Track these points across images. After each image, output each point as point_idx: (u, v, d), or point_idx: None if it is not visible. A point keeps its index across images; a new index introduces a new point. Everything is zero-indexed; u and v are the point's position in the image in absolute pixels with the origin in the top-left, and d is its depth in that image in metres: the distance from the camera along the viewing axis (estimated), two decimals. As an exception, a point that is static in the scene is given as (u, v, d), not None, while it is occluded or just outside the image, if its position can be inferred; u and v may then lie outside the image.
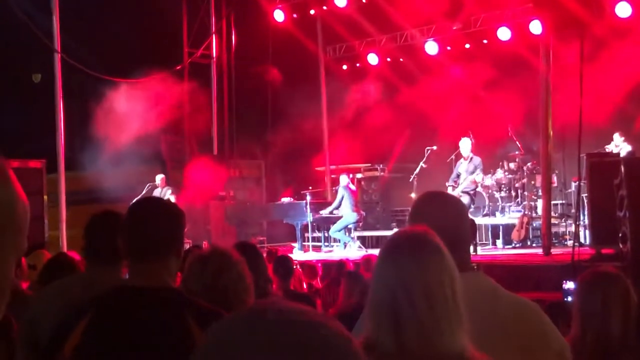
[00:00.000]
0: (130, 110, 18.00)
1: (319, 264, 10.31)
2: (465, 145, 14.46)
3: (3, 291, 1.27)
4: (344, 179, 15.66)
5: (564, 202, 15.25)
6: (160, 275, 2.66)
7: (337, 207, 15.61)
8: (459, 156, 14.91)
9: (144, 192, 16.02)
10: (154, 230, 2.69)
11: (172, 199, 15.89)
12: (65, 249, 13.93)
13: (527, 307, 2.45)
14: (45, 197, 15.16)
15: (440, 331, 1.89)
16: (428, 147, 15.38)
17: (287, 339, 1.01)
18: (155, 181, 16.95)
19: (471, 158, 14.39)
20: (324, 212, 15.86)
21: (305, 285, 8.86)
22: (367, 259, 9.65)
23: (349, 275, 7.08)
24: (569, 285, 6.22)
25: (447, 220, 2.48)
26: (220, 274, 3.13)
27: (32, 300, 3.70)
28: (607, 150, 13.25)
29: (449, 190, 14.55)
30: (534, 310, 2.45)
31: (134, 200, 3.02)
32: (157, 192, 16.12)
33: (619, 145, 13.08)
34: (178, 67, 19.47)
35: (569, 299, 5.79)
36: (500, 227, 14.78)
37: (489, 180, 15.02)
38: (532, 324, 2.40)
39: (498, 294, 2.45)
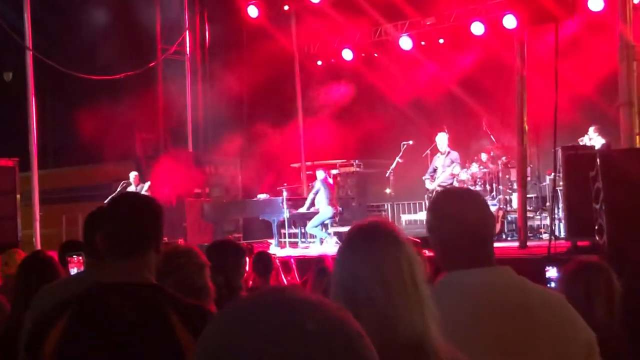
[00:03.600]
0: (104, 108, 17.89)
1: (292, 260, 10.27)
2: (442, 140, 14.52)
3: None
4: (320, 174, 15.65)
5: (538, 195, 15.34)
6: (140, 271, 2.63)
7: (312, 202, 15.60)
8: (434, 151, 14.95)
9: (118, 189, 15.90)
10: (134, 226, 2.66)
11: (145, 187, 15.84)
12: (39, 248, 13.80)
13: (555, 299, 2.46)
14: (18, 195, 15.01)
15: (398, 318, 1.86)
16: (404, 142, 15.40)
17: (305, 334, 1.00)
18: (128, 179, 16.83)
19: (448, 152, 14.46)
20: (302, 210, 15.86)
21: (285, 282, 8.84)
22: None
23: (317, 272, 7.03)
24: (551, 272, 6.25)
25: (474, 215, 2.47)
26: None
27: (34, 298, 3.67)
28: (581, 143, 13.34)
29: (426, 184, 14.62)
30: (561, 301, 2.46)
31: (111, 197, 2.99)
32: (132, 190, 16.00)
33: (593, 138, 13.18)
34: (152, 64, 19.35)
35: (552, 285, 5.84)
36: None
37: (465, 175, 15.06)
38: (561, 315, 2.40)
39: (526, 286, 2.44)
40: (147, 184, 16.26)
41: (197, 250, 3.66)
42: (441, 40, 18.37)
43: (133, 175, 16.71)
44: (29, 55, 15.76)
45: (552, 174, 12.18)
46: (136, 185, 16.35)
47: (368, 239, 1.98)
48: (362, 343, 1.04)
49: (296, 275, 9.51)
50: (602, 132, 12.91)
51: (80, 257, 4.42)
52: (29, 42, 15.78)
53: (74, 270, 4.63)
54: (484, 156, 15.32)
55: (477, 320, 2.26)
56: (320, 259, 9.52)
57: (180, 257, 3.49)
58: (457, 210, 2.49)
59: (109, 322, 2.50)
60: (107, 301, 2.56)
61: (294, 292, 1.06)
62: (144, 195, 3.12)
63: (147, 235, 2.68)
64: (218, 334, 1.05)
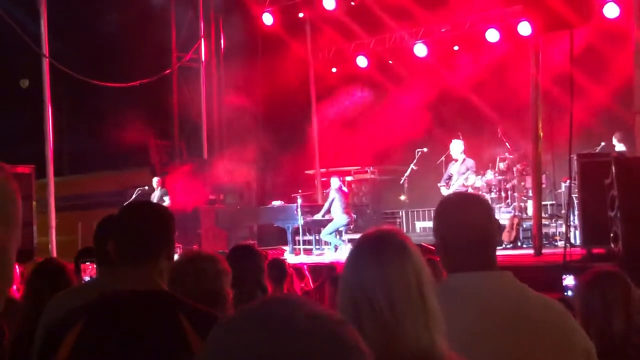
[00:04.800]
0: (119, 115, 17.96)
1: (305, 266, 10.29)
2: (456, 147, 14.49)
3: (8, 279, 1.37)
4: (335, 182, 15.64)
5: (553, 202, 15.28)
6: (152, 279, 2.63)
7: (328, 210, 15.61)
8: (449, 158, 14.92)
9: (133, 196, 15.96)
10: (145, 234, 2.67)
11: (167, 201, 15.86)
12: (55, 255, 13.86)
13: (554, 307, 2.47)
14: (34, 202, 15.07)
15: (403, 331, 1.85)
16: (418, 149, 15.38)
17: (301, 350, 1.00)
18: (144, 186, 16.89)
19: (464, 159, 14.43)
20: (317, 217, 15.86)
21: (298, 289, 8.84)
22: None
23: (332, 281, 7.01)
24: (568, 280, 6.24)
25: (477, 219, 2.50)
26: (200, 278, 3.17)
27: (48, 306, 3.68)
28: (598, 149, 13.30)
29: (442, 190, 14.59)
30: (561, 309, 2.47)
31: (123, 205, 3.00)
32: (154, 195, 16.06)
33: (616, 146, 13.13)
34: (167, 72, 19.43)
35: (569, 293, 5.83)
36: (491, 229, 14.75)
37: (479, 182, 15.02)
38: (560, 323, 2.41)
39: (526, 293, 2.46)
40: (168, 197, 16.25)
41: (220, 257, 3.66)
42: (456, 47, 18.35)
43: (155, 180, 16.78)
44: (46, 62, 15.84)
45: (568, 181, 12.11)
46: (159, 188, 16.44)
47: (374, 248, 1.97)
48: (360, 358, 1.04)
49: (310, 282, 9.51)
50: (624, 139, 12.83)
51: (94, 265, 4.43)
52: (45, 49, 15.87)
53: (87, 278, 4.64)
54: (501, 164, 15.28)
55: (477, 325, 2.27)
56: (332, 267, 9.54)
57: (201, 261, 3.50)
58: (461, 215, 2.52)
59: (121, 330, 2.51)
60: (119, 309, 2.57)
61: (291, 304, 1.06)
62: (155, 203, 3.13)
63: (158, 243, 2.69)
64: (216, 343, 1.05)
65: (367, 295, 1.88)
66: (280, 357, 0.99)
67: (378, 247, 1.96)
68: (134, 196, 16.04)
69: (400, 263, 1.92)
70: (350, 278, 1.95)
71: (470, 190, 14.60)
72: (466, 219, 2.49)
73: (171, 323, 2.52)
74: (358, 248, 2.01)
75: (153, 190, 16.73)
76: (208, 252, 3.75)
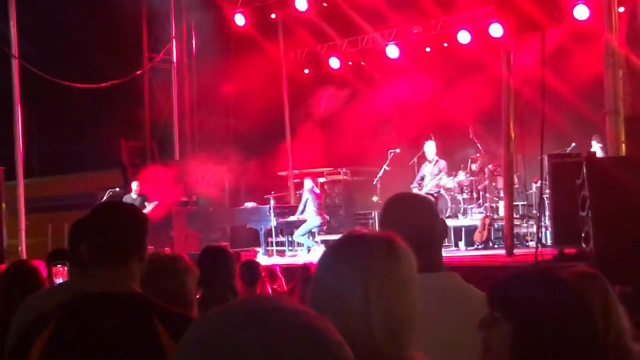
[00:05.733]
0: (90, 116, 17.81)
1: (278, 268, 10.25)
2: (430, 148, 14.57)
3: None
4: (308, 183, 15.64)
5: (524, 203, 15.39)
6: (124, 281, 2.61)
7: (302, 211, 15.60)
8: (421, 158, 14.98)
9: (104, 198, 15.81)
10: (117, 236, 2.65)
11: (149, 207, 15.58)
12: (25, 257, 13.70)
13: None
14: (4, 205, 14.90)
15: (371, 333, 1.73)
16: (391, 150, 15.43)
17: (284, 344, 0.98)
18: (115, 187, 16.74)
19: (436, 161, 14.50)
20: (292, 218, 15.84)
21: (270, 290, 8.81)
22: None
23: (304, 281, 7.00)
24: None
25: (419, 220, 2.48)
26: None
27: (19, 308, 3.64)
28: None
29: (414, 192, 14.64)
30: None
31: (95, 206, 2.96)
32: (127, 199, 15.74)
33: (595, 150, 13.26)
34: (138, 72, 19.30)
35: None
36: (463, 229, 14.86)
37: (451, 183, 15.11)
38: None
39: (471, 293, 2.44)
40: (148, 203, 15.95)
41: (184, 256, 3.63)
42: (428, 49, 18.42)
43: (135, 185, 16.43)
44: (15, 64, 15.68)
45: (539, 181, 12.21)
46: (137, 195, 16.09)
47: (353, 249, 1.84)
48: (342, 354, 1.03)
49: (283, 284, 9.48)
50: (602, 141, 12.96)
51: (65, 267, 4.38)
52: (15, 50, 15.71)
53: (59, 280, 4.59)
54: (473, 165, 15.37)
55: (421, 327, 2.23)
56: (306, 268, 9.52)
57: (160, 261, 3.46)
58: (402, 216, 2.51)
59: (93, 332, 2.48)
60: (91, 311, 2.54)
61: (272, 301, 1.05)
62: (127, 204, 3.11)
63: (131, 245, 2.66)
64: (191, 344, 1.04)
65: (341, 296, 1.77)
66: (263, 351, 0.97)
67: (357, 248, 1.84)
68: (104, 198, 15.89)
69: (379, 266, 1.80)
70: (322, 281, 1.83)
71: (442, 191, 14.69)
72: (408, 220, 2.46)
73: (143, 325, 2.50)
74: (334, 248, 1.92)
75: (124, 192, 16.54)
76: (172, 253, 3.75)
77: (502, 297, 2.07)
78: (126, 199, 15.56)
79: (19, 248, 15.40)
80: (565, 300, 2.09)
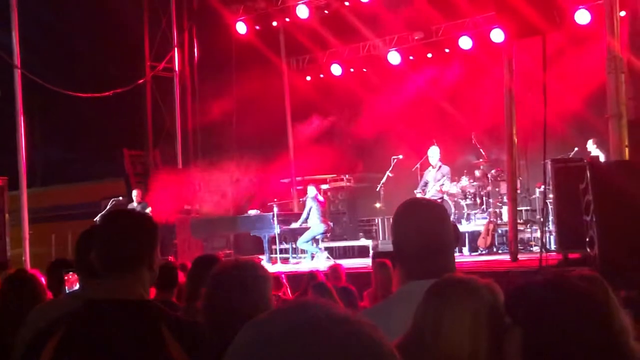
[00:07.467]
0: (92, 125, 17.83)
1: (283, 275, 10.25)
2: (434, 153, 14.58)
3: None
4: (311, 190, 15.66)
5: (528, 208, 15.37)
6: (134, 288, 2.62)
7: (306, 219, 15.60)
8: (424, 164, 14.98)
9: (108, 207, 15.81)
10: (128, 244, 2.65)
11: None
12: (28, 267, 13.71)
13: None
14: (7, 215, 14.91)
15: None
16: (394, 157, 15.43)
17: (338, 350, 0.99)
18: (118, 196, 16.75)
19: (440, 166, 14.51)
20: (296, 225, 15.83)
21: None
22: (333, 268, 9.64)
23: (316, 287, 6.99)
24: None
25: (432, 226, 2.48)
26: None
27: (29, 317, 3.65)
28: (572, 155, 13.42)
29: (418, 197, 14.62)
30: None
31: (104, 213, 2.97)
32: (131, 207, 15.83)
33: (592, 151, 13.24)
34: (140, 81, 19.33)
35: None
36: (467, 235, 14.85)
37: (455, 188, 15.10)
38: None
39: None
40: (149, 208, 16.02)
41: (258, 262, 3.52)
42: (429, 55, 18.43)
43: (135, 193, 16.57)
44: (17, 74, 15.71)
45: (542, 186, 12.20)
46: (137, 203, 16.19)
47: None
48: None
49: (288, 291, 9.48)
50: (600, 144, 12.95)
51: (75, 275, 4.40)
52: (17, 60, 15.74)
53: (73, 288, 4.60)
54: (476, 171, 15.37)
55: None
56: (312, 275, 9.52)
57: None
58: (413, 222, 2.51)
59: (102, 339, 2.49)
60: (100, 318, 2.55)
61: (322, 308, 1.05)
62: (138, 212, 3.11)
63: (140, 252, 2.67)
64: (243, 349, 1.04)
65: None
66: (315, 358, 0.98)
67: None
68: (108, 207, 15.89)
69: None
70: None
71: (445, 197, 14.68)
72: (419, 226, 2.47)
73: (152, 333, 2.51)
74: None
75: (128, 201, 16.57)
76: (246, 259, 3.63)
77: (512, 303, 2.10)
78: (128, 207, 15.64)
79: (23, 258, 15.40)
80: (575, 305, 2.10)
